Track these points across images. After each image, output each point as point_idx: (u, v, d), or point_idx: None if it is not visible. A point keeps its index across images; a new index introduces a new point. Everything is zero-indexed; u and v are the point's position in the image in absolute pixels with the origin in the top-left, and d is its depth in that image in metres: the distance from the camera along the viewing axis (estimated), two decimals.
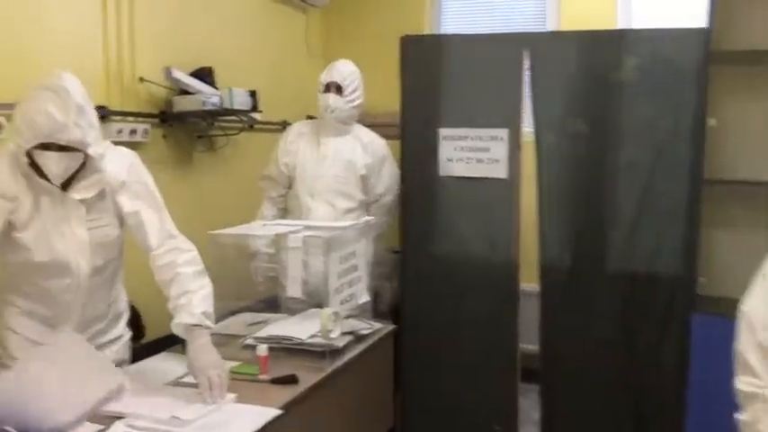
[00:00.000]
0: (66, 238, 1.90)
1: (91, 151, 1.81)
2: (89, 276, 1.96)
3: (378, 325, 2.64)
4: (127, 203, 1.97)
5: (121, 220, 2.00)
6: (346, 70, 3.21)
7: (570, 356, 3.13)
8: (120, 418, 1.77)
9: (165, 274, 1.97)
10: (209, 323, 1.94)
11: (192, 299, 1.93)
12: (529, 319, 3.20)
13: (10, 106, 2.04)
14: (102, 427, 1.73)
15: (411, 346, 3.27)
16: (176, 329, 1.94)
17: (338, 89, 3.16)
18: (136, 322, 2.89)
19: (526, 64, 3.10)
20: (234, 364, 2.16)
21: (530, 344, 3.26)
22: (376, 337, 2.57)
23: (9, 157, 1.82)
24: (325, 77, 3.20)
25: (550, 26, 4.24)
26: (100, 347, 2.08)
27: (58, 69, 1.83)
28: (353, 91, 3.20)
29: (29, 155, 1.78)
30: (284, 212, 3.30)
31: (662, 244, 2.96)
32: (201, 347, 1.91)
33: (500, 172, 3.17)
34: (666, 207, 2.95)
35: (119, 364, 2.13)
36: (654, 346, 2.97)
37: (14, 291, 1.98)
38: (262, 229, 2.47)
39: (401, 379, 3.19)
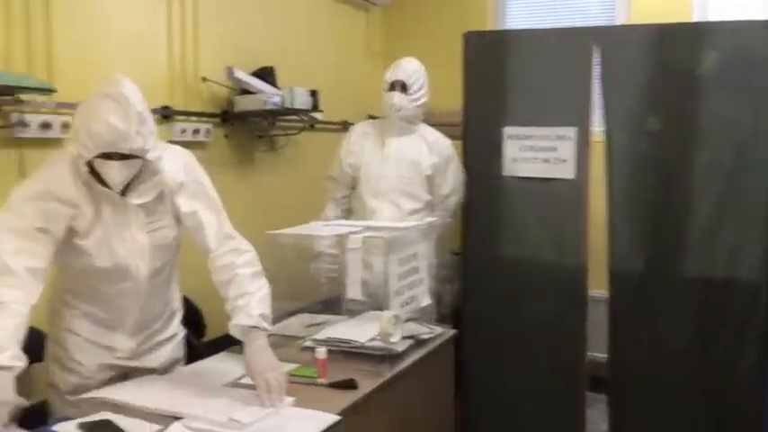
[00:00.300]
0: (126, 243, 1.89)
1: (149, 156, 1.79)
2: (148, 279, 1.95)
3: (439, 329, 2.56)
4: (184, 204, 1.95)
5: (178, 220, 1.99)
6: (411, 68, 3.12)
7: (641, 364, 2.99)
8: (178, 418, 1.75)
9: (223, 276, 1.95)
10: (266, 325, 1.91)
11: (249, 300, 1.90)
12: (597, 325, 3.07)
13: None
14: (160, 426, 1.71)
15: (472, 352, 3.18)
16: (234, 331, 1.91)
17: (403, 87, 3.08)
18: (197, 321, 2.92)
19: (596, 59, 2.97)
20: (292, 366, 2.12)
21: (597, 351, 3.13)
22: (437, 342, 2.49)
23: (70, 163, 1.81)
24: (390, 76, 3.12)
25: (619, 20, 4.07)
26: (155, 347, 2.08)
27: (118, 74, 1.81)
28: (419, 89, 3.11)
29: (89, 164, 1.77)
30: (348, 213, 3.24)
31: (741, 247, 2.82)
32: (259, 350, 1.87)
33: (567, 172, 3.06)
34: (746, 209, 2.81)
35: (173, 362, 2.14)
36: (731, 350, 2.85)
37: (74, 293, 1.99)
38: (321, 230, 2.43)
39: (462, 386, 3.10)
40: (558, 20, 4.33)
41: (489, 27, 4.36)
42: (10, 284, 1.68)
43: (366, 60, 4.55)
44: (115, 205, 1.86)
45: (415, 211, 3.10)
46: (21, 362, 1.62)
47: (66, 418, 1.77)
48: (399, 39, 4.56)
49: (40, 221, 1.76)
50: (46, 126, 2.47)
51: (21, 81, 2.25)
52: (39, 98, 2.41)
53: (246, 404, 1.82)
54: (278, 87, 3.46)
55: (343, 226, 2.54)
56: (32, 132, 2.44)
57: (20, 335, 1.66)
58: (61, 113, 2.49)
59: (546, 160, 3.08)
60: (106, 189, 1.81)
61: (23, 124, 2.41)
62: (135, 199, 1.86)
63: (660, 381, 2.96)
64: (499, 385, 3.22)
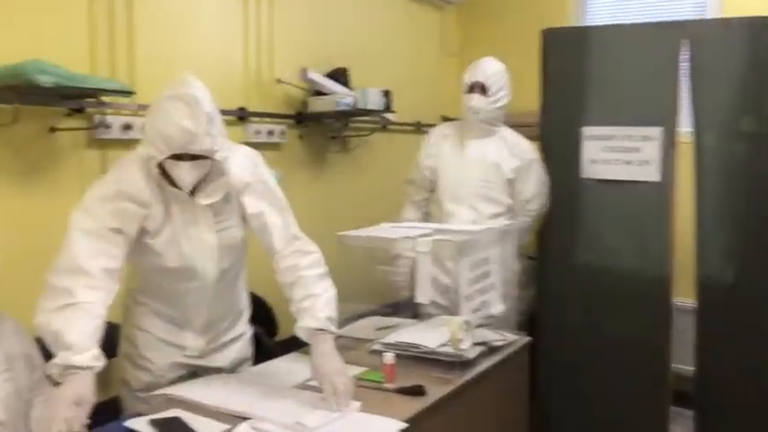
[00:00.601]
0: (194, 243, 1.91)
1: (218, 156, 1.80)
2: (216, 279, 1.96)
3: (512, 336, 2.48)
4: (251, 204, 1.94)
5: (245, 220, 1.98)
6: (491, 69, 3.01)
7: (730, 379, 2.82)
8: (245, 418, 1.75)
9: (287, 277, 1.93)
10: (332, 328, 1.88)
11: (315, 302, 1.87)
12: (682, 337, 2.90)
13: None
14: (228, 426, 1.71)
15: (548, 361, 3.07)
16: (300, 333, 1.90)
17: (483, 89, 2.99)
18: (269, 319, 2.94)
19: (685, 55, 2.80)
20: (359, 369, 2.09)
21: (682, 364, 2.96)
22: (510, 350, 2.40)
23: (141, 164, 1.84)
24: (468, 77, 3.03)
25: (711, 14, 3.84)
26: (223, 346, 2.09)
27: (186, 74, 1.82)
28: (498, 91, 3.00)
29: (160, 164, 1.79)
30: (427, 216, 3.18)
31: None
32: (325, 353, 1.85)
33: (651, 175, 2.91)
34: None
35: (241, 362, 2.14)
36: None
37: (144, 292, 2.02)
38: (391, 232, 2.38)
39: (537, 396, 3.00)
40: (642, 14, 4.14)
41: (569, 23, 4.21)
42: (87, 285, 1.71)
43: (440, 60, 4.49)
44: (184, 205, 1.88)
45: (495, 216, 2.99)
46: (100, 362, 1.66)
47: (138, 415, 1.79)
48: (474, 38, 4.48)
49: (115, 222, 1.79)
50: (127, 127, 2.54)
51: (102, 84, 2.31)
52: (120, 100, 2.48)
53: (314, 407, 1.79)
54: (351, 88, 3.45)
55: (414, 228, 2.48)
56: (114, 133, 2.51)
57: (98, 335, 1.69)
58: (141, 115, 2.54)
59: (628, 162, 2.94)
60: (176, 189, 1.83)
61: (105, 126, 2.49)
62: (203, 199, 1.87)
63: (751, 397, 2.78)
64: (575, 396, 3.09)
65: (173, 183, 1.82)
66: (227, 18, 3.05)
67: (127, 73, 2.56)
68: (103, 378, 2.17)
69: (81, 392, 1.58)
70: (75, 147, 2.46)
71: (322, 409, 1.78)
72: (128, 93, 2.38)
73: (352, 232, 2.31)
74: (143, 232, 1.86)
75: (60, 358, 1.61)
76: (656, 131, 2.89)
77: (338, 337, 1.95)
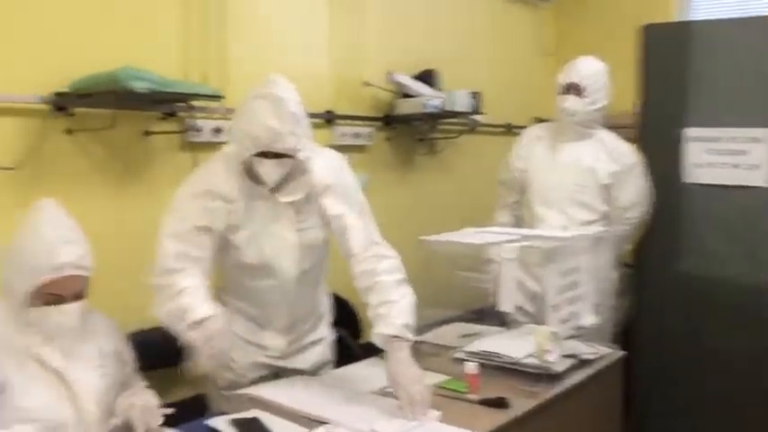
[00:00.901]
0: (275, 241, 1.93)
1: (301, 155, 1.83)
2: (296, 278, 1.97)
3: (605, 349, 2.35)
4: (331, 206, 1.95)
5: (327, 223, 1.98)
6: (587, 70, 2.86)
7: None
8: (323, 422, 1.73)
9: (364, 282, 1.91)
10: (409, 335, 1.84)
11: (392, 309, 1.84)
12: None
13: None
14: (305, 429, 1.71)
15: (646, 378, 2.92)
16: (376, 339, 1.86)
17: (578, 90, 2.85)
18: (353, 322, 2.93)
19: None
20: (441, 378, 2.04)
21: None
22: (602, 364, 2.28)
23: (226, 162, 1.90)
24: (563, 78, 2.89)
25: None
26: (304, 348, 2.10)
27: (273, 74, 1.86)
28: (595, 92, 2.85)
29: (245, 162, 1.84)
30: (520, 220, 3.07)
31: None
32: (401, 361, 1.81)
33: (760, 179, 2.69)
34: None
35: (322, 365, 2.14)
36: None
37: (228, 290, 2.06)
38: (473, 237, 2.31)
39: (631, 412, 2.83)
40: (749, 8, 3.85)
41: (671, 19, 3.98)
42: (185, 277, 1.80)
43: (534, 60, 4.36)
44: (266, 203, 1.91)
45: (588, 223, 2.84)
46: (219, 311, 1.75)
47: (221, 413, 1.82)
48: (571, 36, 4.32)
49: (203, 220, 1.85)
50: (217, 131, 2.60)
51: (193, 88, 2.38)
52: (211, 104, 2.54)
53: (391, 415, 1.76)
54: (440, 90, 3.40)
55: (499, 234, 2.40)
56: (205, 136, 2.58)
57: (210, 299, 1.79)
58: (231, 119, 2.59)
59: (735, 165, 2.75)
60: (259, 186, 1.87)
61: (196, 129, 2.56)
62: (285, 197, 1.89)
63: None
64: (675, 415, 2.90)
65: (256, 180, 1.86)
66: (316, 22, 3.08)
67: (218, 78, 2.62)
68: (191, 377, 2.23)
69: (212, 332, 1.69)
70: (168, 149, 2.54)
71: (400, 418, 1.74)
72: (218, 97, 2.44)
73: (434, 237, 2.25)
74: (227, 228, 1.90)
75: (186, 320, 1.71)
76: (764, 133, 2.67)
77: (420, 343, 1.92)
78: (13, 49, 2.12)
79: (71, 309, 1.63)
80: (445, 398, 1.91)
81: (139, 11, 2.43)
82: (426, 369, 1.99)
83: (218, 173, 1.89)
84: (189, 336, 1.70)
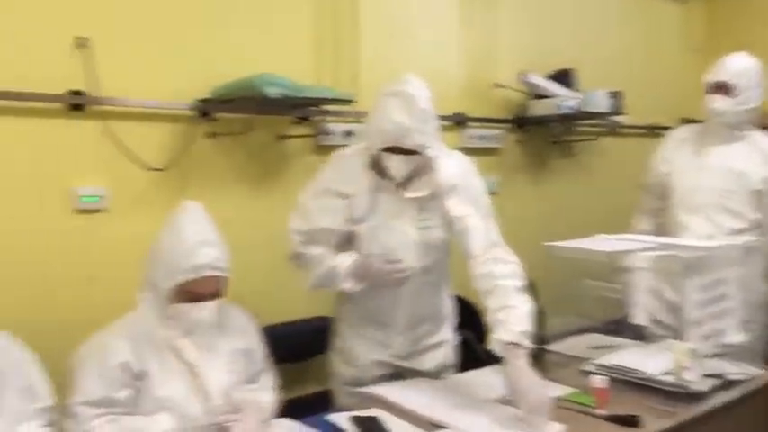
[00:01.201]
0: (396, 235, 1.95)
1: (428, 153, 1.85)
2: (417, 275, 1.97)
3: (755, 370, 2.14)
4: (455, 207, 1.94)
5: (449, 223, 1.97)
6: (737, 67, 2.63)
7: None
8: (441, 427, 1.72)
9: (482, 284, 1.88)
10: (527, 343, 1.77)
11: (510, 315, 1.78)
12: None
13: None
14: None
15: None
16: (493, 345, 1.81)
17: (727, 90, 2.63)
18: (478, 324, 2.89)
19: None
20: (568, 390, 1.95)
21: None
22: (751, 386, 2.07)
23: (352, 157, 1.96)
24: (711, 77, 2.67)
25: None
26: (426, 350, 2.08)
27: (406, 73, 1.89)
28: (746, 91, 2.60)
29: (373, 156, 1.89)
30: (662, 228, 2.88)
31: None
32: (519, 368, 1.74)
33: None
34: None
35: (445, 368, 2.12)
36: None
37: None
38: (603, 244, 2.18)
39: None
40: None
41: None
42: (315, 249, 1.95)
43: (681, 57, 4.08)
44: (391, 197, 1.94)
45: (736, 232, 2.59)
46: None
47: (343, 409, 1.85)
48: (725, 30, 4.00)
49: (324, 220, 1.93)
50: (348, 134, 2.67)
51: (324, 93, 2.45)
52: (342, 108, 2.61)
53: (512, 424, 1.71)
54: (577, 90, 3.28)
55: (634, 241, 2.26)
56: (336, 140, 2.65)
57: None
58: (362, 122, 2.65)
59: None
60: (385, 181, 1.91)
61: (328, 133, 2.63)
62: (410, 193, 1.92)
63: None
64: None
65: (383, 174, 1.91)
66: (446, 23, 3.08)
67: (349, 82, 2.69)
68: (316, 371, 2.30)
69: (370, 260, 1.91)
70: (301, 153, 2.64)
71: (518, 430, 1.68)
72: (348, 101, 2.50)
73: (561, 243, 2.16)
74: (350, 221, 1.95)
75: (341, 273, 1.92)
76: None
77: (550, 353, 1.83)
78: (162, 61, 2.31)
79: (208, 306, 1.72)
80: (571, 411, 1.82)
81: (275, 20, 2.55)
82: (552, 380, 1.94)
83: (343, 169, 1.96)
84: (348, 284, 1.91)
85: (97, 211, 2.22)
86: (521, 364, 1.75)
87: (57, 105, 2.13)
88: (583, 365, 2.15)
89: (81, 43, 2.14)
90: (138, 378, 1.67)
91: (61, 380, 1.65)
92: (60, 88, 2.13)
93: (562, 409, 1.79)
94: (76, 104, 2.16)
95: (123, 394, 1.65)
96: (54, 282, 2.13)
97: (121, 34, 2.23)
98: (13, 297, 2.03)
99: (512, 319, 1.77)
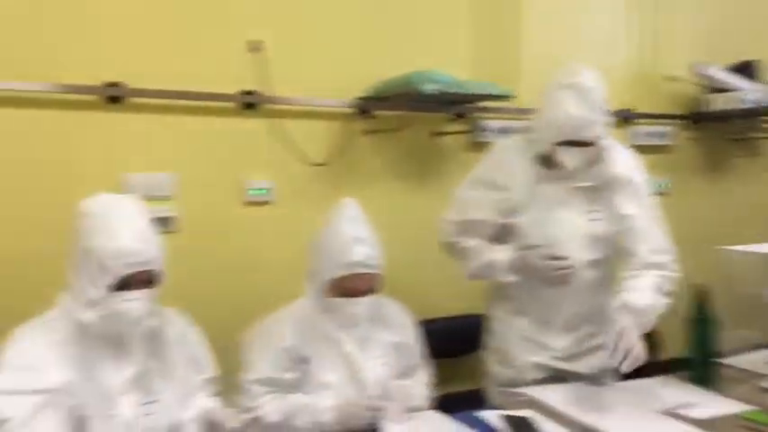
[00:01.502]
0: (563, 225, 1.89)
1: (603, 143, 1.83)
2: (584, 268, 1.89)
3: None
4: (623, 204, 1.89)
5: (618, 219, 1.90)
6: None
7: None
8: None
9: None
10: (636, 314, 1.79)
11: (637, 284, 1.82)
12: None
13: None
14: None
15: None
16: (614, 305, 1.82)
17: None
18: (651, 336, 2.69)
19: None
20: (744, 407, 1.76)
21: None
22: None
23: (512, 147, 1.93)
24: None
25: None
26: (587, 351, 1.99)
27: (574, 63, 1.85)
28: None
29: (544, 149, 1.85)
30: None
31: None
32: (626, 324, 1.75)
33: None
34: None
35: (605, 372, 1.99)
36: None
37: (510, 287, 2.00)
38: None
39: None
40: None
41: None
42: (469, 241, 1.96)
43: None
44: (555, 187, 1.89)
45: None
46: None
47: (498, 408, 1.81)
48: None
49: (479, 212, 1.92)
50: (504, 131, 2.61)
51: (482, 88, 2.41)
52: (501, 104, 2.56)
53: None
54: (763, 83, 2.98)
55: None
56: (492, 137, 2.60)
57: None
58: (521, 119, 2.59)
59: None
60: (551, 171, 1.87)
61: (483, 129, 2.60)
62: (579, 182, 1.88)
63: None
64: None
65: (549, 165, 1.87)
66: (612, 13, 2.93)
67: (509, 77, 2.63)
68: (471, 370, 2.27)
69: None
70: (457, 150, 2.63)
71: None
72: (507, 97, 2.44)
73: (736, 247, 1.98)
74: (506, 213, 1.91)
75: (497, 268, 1.92)
76: None
77: (727, 367, 1.77)
78: (325, 61, 2.40)
79: (362, 302, 1.76)
80: (748, 430, 1.65)
81: (433, 16, 2.56)
82: (727, 396, 1.82)
83: (499, 161, 1.94)
84: (509, 277, 1.90)
85: (265, 203, 2.36)
86: (627, 323, 1.75)
87: (230, 104, 2.29)
88: (763, 382, 1.95)
89: (255, 46, 2.28)
90: (302, 362, 1.76)
91: (228, 356, 1.76)
92: (233, 88, 2.28)
93: (738, 427, 1.64)
94: (249, 103, 2.30)
95: (289, 376, 1.75)
96: (225, 267, 2.28)
97: (290, 37, 2.35)
98: (189, 277, 2.18)
99: (637, 289, 1.81)
